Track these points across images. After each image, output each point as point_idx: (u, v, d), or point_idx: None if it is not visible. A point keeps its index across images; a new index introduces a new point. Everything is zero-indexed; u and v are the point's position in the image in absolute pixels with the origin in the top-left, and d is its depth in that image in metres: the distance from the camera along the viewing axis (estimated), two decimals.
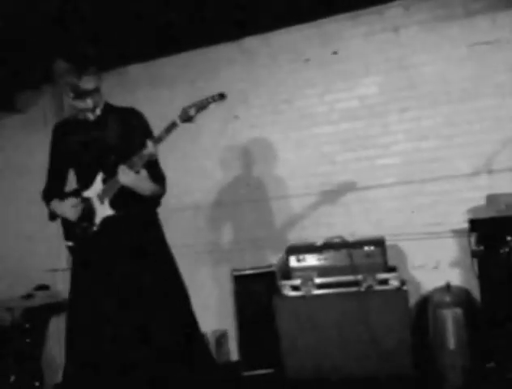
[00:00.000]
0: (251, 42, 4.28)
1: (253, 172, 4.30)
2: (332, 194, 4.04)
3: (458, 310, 3.23)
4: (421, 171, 3.84)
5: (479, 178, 3.68)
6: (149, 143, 2.39)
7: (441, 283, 3.50)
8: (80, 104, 2.52)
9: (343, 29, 4.05)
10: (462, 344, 3.20)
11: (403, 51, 3.90)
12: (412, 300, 3.70)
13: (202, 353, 2.69)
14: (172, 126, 2.39)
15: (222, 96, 2.39)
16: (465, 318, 3.25)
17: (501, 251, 3.15)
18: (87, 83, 2.46)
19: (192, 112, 2.37)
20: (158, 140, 2.41)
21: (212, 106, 2.40)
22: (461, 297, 3.38)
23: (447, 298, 3.30)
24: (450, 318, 3.22)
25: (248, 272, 3.94)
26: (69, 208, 2.53)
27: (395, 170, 3.91)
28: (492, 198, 3.42)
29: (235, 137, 4.34)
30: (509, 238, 3.12)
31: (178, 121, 2.39)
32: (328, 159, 4.09)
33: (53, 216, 2.68)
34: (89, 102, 2.50)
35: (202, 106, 2.38)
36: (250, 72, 4.29)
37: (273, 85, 4.23)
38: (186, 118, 2.38)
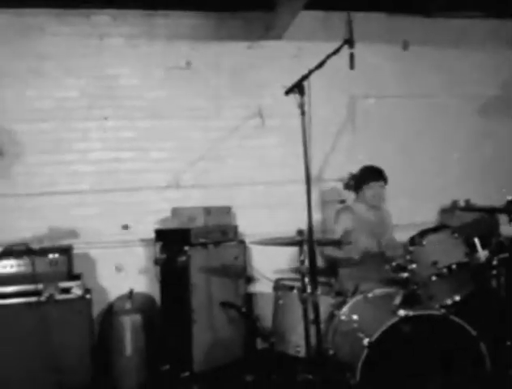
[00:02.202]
0: None
1: None
2: (23, 199, 3.75)
3: (137, 317, 3.35)
4: (116, 181, 3.89)
5: (168, 192, 3.93)
6: None
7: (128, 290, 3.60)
8: None
9: (46, 25, 3.85)
10: (138, 350, 3.32)
11: (105, 60, 3.91)
12: (100, 308, 3.71)
13: None
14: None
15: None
16: (144, 324, 3.38)
17: (179, 259, 3.41)
18: None
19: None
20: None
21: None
22: (142, 304, 3.52)
23: (128, 305, 3.39)
24: (129, 324, 3.31)
25: None
26: None
27: (90, 177, 3.87)
28: (176, 211, 3.69)
29: None
30: (186, 248, 3.40)
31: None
32: (20, 160, 3.79)
33: None
34: None
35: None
36: None
37: None
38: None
